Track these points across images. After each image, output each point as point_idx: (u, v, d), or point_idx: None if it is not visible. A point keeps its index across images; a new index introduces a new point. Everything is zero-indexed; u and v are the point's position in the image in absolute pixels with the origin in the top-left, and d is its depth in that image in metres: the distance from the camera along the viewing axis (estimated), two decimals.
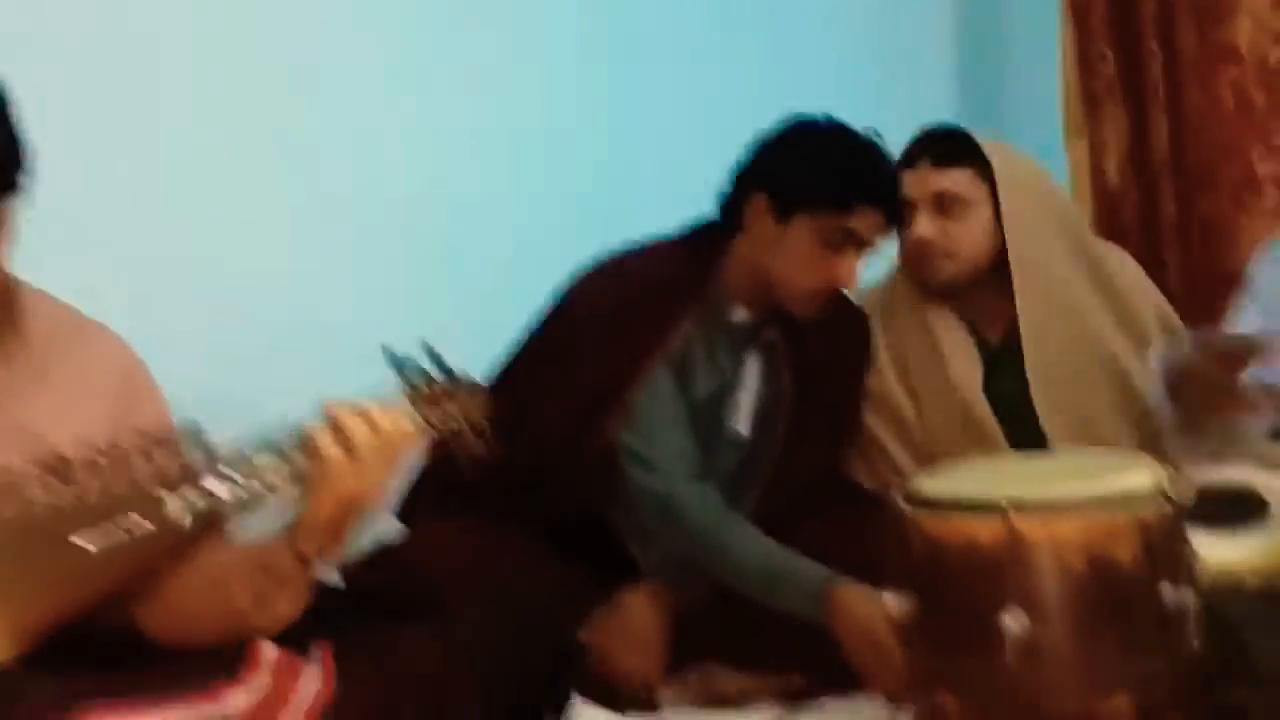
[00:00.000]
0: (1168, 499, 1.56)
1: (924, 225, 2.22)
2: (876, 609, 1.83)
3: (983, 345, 2.30)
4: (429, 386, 1.50)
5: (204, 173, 2.22)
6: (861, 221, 2.03)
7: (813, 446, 2.18)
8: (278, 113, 2.30)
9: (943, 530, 1.57)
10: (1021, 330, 2.25)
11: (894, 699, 1.83)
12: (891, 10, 2.99)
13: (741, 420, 2.15)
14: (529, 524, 2.00)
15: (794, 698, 1.93)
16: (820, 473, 2.20)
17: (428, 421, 1.47)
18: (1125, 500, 1.55)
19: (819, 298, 2.08)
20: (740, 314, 2.14)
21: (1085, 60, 2.90)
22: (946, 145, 2.26)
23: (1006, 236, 2.24)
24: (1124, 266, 2.39)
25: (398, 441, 1.44)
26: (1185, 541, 1.58)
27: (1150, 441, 2.17)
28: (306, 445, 1.40)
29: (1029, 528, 1.52)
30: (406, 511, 2.10)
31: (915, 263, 2.27)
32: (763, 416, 2.17)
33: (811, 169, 2.02)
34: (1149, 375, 2.20)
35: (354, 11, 2.41)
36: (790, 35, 2.89)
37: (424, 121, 2.46)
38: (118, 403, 1.50)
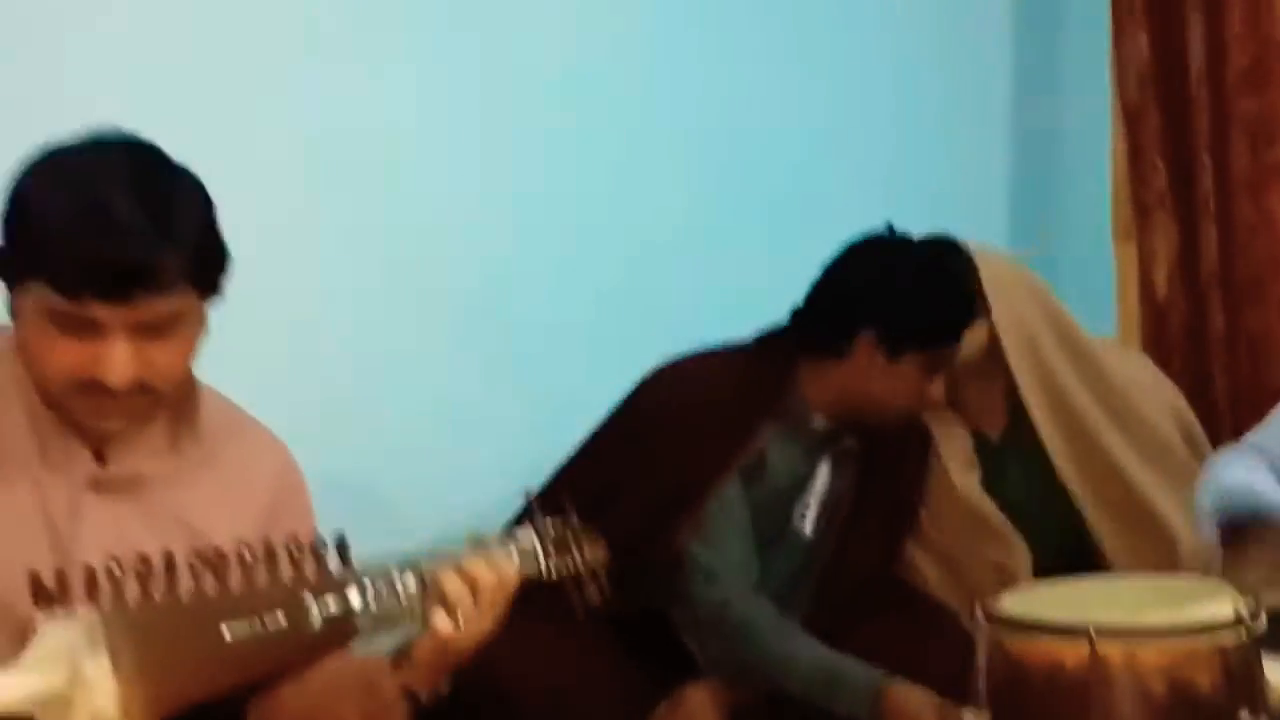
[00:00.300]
0: (1246, 627, 1.59)
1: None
2: (931, 710, 1.92)
3: (984, 444, 2.38)
4: (557, 533, 1.55)
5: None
6: (952, 350, 2.17)
7: (870, 549, 2.25)
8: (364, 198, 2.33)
9: (1026, 651, 1.60)
10: (1035, 421, 2.32)
11: None
12: (946, 109, 3.04)
13: (808, 522, 2.20)
14: (594, 618, 2.01)
15: None
16: (876, 575, 2.26)
17: (552, 567, 1.53)
18: (1206, 628, 1.59)
19: (908, 417, 2.20)
20: (819, 421, 2.19)
21: (1136, 169, 2.93)
22: None
23: (1000, 337, 2.31)
24: (1125, 363, 2.47)
25: (511, 592, 1.48)
26: (1261, 669, 1.62)
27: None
28: (436, 582, 1.43)
29: (1112, 652, 1.55)
30: None
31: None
32: (826, 519, 2.22)
33: (927, 313, 2.15)
34: (1178, 491, 2.28)
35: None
36: (841, 128, 2.93)
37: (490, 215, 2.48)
38: (271, 502, 1.56)
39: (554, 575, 1.53)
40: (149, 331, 1.39)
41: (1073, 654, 1.55)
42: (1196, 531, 2.10)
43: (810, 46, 2.85)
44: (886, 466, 2.25)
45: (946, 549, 2.32)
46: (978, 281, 2.30)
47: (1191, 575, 2.11)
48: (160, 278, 1.37)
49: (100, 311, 1.36)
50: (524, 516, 1.56)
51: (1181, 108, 2.89)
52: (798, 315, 2.20)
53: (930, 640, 2.13)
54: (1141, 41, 2.90)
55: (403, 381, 2.33)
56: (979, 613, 1.65)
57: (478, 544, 1.50)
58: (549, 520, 1.56)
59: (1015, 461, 2.37)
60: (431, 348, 2.36)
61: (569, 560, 1.55)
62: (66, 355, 1.39)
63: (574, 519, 1.58)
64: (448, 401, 2.38)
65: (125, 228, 1.36)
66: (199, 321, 1.45)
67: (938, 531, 2.35)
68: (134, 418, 1.46)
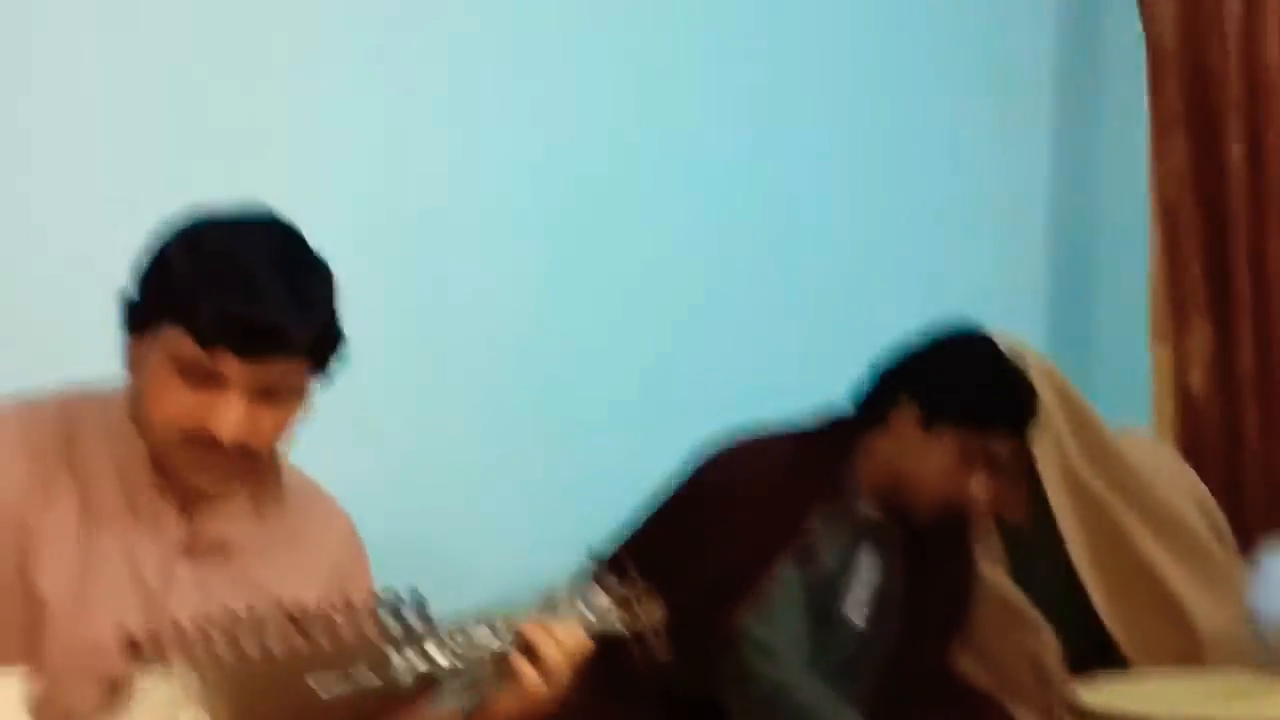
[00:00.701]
0: None
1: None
2: None
3: (1010, 533, 2.38)
4: (623, 592, 1.59)
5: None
6: (999, 445, 2.15)
7: (924, 643, 2.24)
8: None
9: None
10: (1055, 512, 2.34)
11: None
12: (985, 207, 3.07)
13: (854, 610, 2.19)
14: (644, 695, 2.01)
15: None
16: (930, 668, 2.25)
17: (621, 624, 1.57)
18: None
19: (944, 508, 2.17)
20: (866, 507, 2.20)
21: (1173, 269, 2.95)
22: None
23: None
24: (1149, 454, 2.50)
25: (580, 655, 1.52)
26: None
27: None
28: (522, 637, 1.49)
29: None
30: None
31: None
32: (876, 609, 2.20)
33: (967, 385, 2.15)
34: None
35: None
36: (881, 224, 2.95)
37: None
38: (337, 570, 1.62)
39: (622, 631, 1.57)
40: (264, 395, 1.46)
41: None
42: (1250, 623, 2.10)
43: (855, 142, 2.89)
44: (936, 560, 2.24)
45: (979, 639, 2.32)
46: None
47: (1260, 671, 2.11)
48: (290, 344, 1.45)
49: (228, 366, 1.44)
50: (587, 577, 1.59)
51: (1219, 208, 2.92)
52: (855, 395, 2.21)
53: None
54: (1180, 142, 2.94)
55: (460, 452, 2.35)
56: (1060, 708, 1.63)
57: (550, 601, 1.54)
58: (614, 579, 1.59)
59: (1040, 552, 2.37)
60: (490, 420, 2.41)
61: (634, 618, 1.58)
62: (183, 404, 1.45)
63: (637, 579, 1.61)
64: (504, 473, 2.40)
65: (267, 292, 1.44)
66: (306, 396, 1.51)
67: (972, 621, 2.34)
68: (230, 477, 1.51)
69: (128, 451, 1.51)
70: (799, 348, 2.75)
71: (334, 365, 1.52)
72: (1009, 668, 2.32)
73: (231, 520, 1.55)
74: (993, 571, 2.34)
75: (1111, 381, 2.86)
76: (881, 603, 2.21)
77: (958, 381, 2.15)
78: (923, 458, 2.13)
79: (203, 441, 1.46)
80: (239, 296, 1.43)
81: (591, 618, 1.55)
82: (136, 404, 1.50)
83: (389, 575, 1.58)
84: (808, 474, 2.15)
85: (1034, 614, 2.32)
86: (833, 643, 2.17)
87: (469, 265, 2.40)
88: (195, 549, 1.53)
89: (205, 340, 1.42)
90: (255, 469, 1.54)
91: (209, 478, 1.50)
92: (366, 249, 2.22)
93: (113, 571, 1.50)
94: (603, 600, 1.57)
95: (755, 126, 2.76)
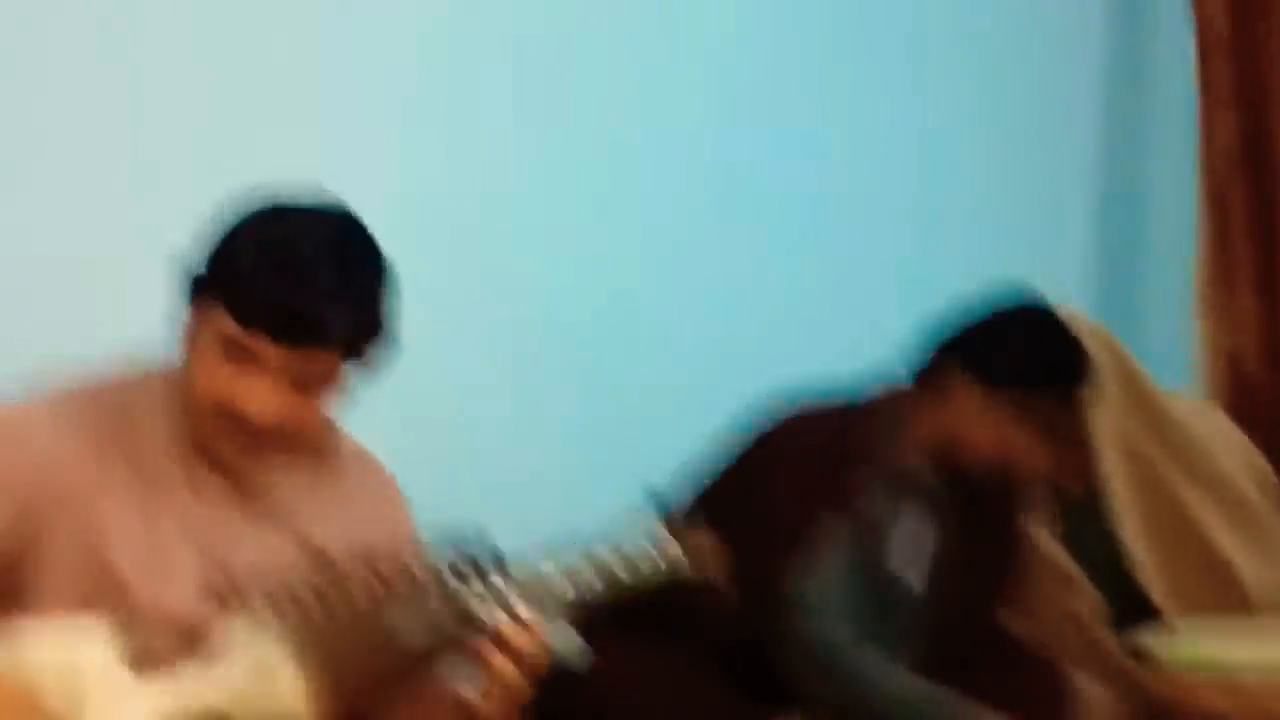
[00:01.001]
0: None
1: None
2: None
3: (1064, 496, 2.40)
4: (678, 522, 1.61)
5: None
6: (1057, 411, 2.18)
7: (976, 606, 2.27)
8: None
9: (1174, 691, 1.61)
10: (1104, 475, 2.39)
11: None
12: (1034, 180, 3.09)
13: (909, 574, 2.22)
14: (694, 645, 2.06)
15: None
16: (982, 631, 2.27)
17: (687, 571, 1.59)
18: None
19: (1000, 474, 2.19)
20: (922, 473, 2.23)
21: (1221, 243, 2.99)
22: None
23: None
24: (1201, 419, 2.53)
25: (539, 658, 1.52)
26: None
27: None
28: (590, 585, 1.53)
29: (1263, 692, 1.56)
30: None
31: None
32: (931, 573, 2.23)
33: (1023, 350, 2.17)
34: None
35: None
36: (929, 191, 2.99)
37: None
38: (389, 531, 1.65)
39: (690, 578, 1.59)
40: (299, 381, 1.50)
41: (1220, 694, 1.56)
42: None
43: (901, 111, 2.92)
44: (989, 525, 2.27)
45: (1027, 600, 2.34)
46: None
47: None
48: (326, 336, 1.48)
49: (264, 349, 1.47)
50: (653, 526, 1.60)
51: (1269, 184, 2.96)
52: (911, 364, 2.24)
53: (1032, 692, 2.16)
54: (1230, 119, 2.98)
55: (508, 423, 2.40)
56: (1127, 654, 1.67)
57: (619, 548, 1.56)
58: (682, 526, 1.61)
59: (1087, 514, 2.41)
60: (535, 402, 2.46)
61: (702, 566, 1.61)
62: (220, 380, 1.50)
63: (704, 526, 1.64)
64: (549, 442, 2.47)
65: (313, 282, 1.48)
66: (341, 384, 1.55)
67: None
68: (262, 454, 1.56)
69: (182, 421, 1.55)
70: (845, 316, 2.78)
71: (375, 359, 1.55)
72: (1056, 628, 2.35)
73: (287, 484, 1.60)
74: (1039, 532, 2.37)
75: (1157, 354, 2.87)
76: (936, 567, 2.23)
77: (1014, 347, 2.17)
78: (980, 424, 2.15)
79: (236, 419, 1.50)
80: (284, 283, 1.47)
81: (662, 563, 1.57)
82: (183, 376, 1.55)
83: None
84: (864, 442, 2.18)
85: (1079, 575, 2.35)
86: (888, 608, 2.19)
87: (516, 237, 2.45)
88: (253, 512, 1.58)
89: (245, 321, 1.47)
90: (290, 448, 1.57)
91: (235, 450, 1.54)
92: (414, 225, 2.26)
93: (178, 542, 1.54)
94: (673, 547, 1.59)
95: (800, 93, 2.79)
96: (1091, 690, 2.24)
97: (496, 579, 1.48)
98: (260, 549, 1.56)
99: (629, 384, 2.59)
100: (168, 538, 1.54)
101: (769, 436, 2.22)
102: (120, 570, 1.51)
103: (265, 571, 1.53)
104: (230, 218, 1.54)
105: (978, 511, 2.26)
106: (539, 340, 2.51)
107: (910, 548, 2.23)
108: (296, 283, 1.47)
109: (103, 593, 1.51)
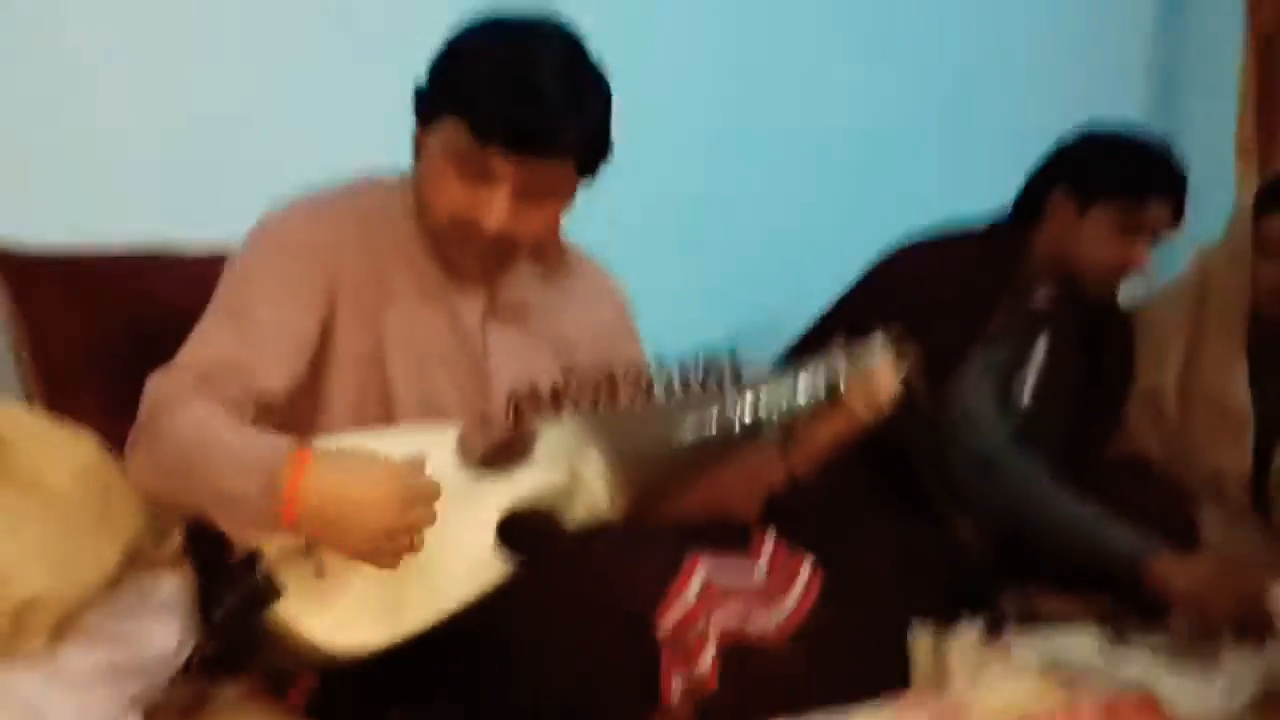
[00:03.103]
0: None
1: None
2: (1196, 574, 2.06)
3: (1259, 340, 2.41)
4: (888, 342, 1.79)
5: None
6: (1153, 211, 2.26)
7: (1100, 429, 2.41)
8: None
9: None
10: None
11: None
12: (1084, 29, 3.21)
13: (1026, 392, 2.37)
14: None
15: (1110, 621, 2.09)
16: (1093, 454, 2.41)
17: (902, 360, 1.78)
18: None
19: (1115, 280, 2.32)
20: (1040, 298, 2.36)
21: (1263, 89, 3.09)
22: None
23: None
24: None
25: (890, 392, 1.74)
26: None
27: None
28: (832, 382, 1.71)
29: None
30: None
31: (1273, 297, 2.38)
32: (1045, 395, 2.38)
33: (1111, 161, 2.27)
34: None
35: None
36: (992, 40, 3.09)
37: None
38: (615, 326, 1.81)
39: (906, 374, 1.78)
40: (529, 192, 1.58)
41: None
42: None
43: None
44: (1103, 354, 2.41)
45: (1184, 445, 2.41)
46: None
47: None
48: (559, 146, 1.56)
49: (498, 161, 1.55)
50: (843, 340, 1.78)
51: None
52: (1014, 198, 2.37)
53: (1156, 511, 2.21)
54: None
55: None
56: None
57: (830, 357, 1.75)
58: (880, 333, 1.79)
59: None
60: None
61: (900, 366, 1.79)
62: (455, 194, 1.58)
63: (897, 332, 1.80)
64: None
65: (544, 95, 1.54)
66: (570, 196, 1.64)
67: (1183, 428, 2.42)
68: (493, 263, 1.66)
69: (423, 234, 1.66)
70: (936, 160, 2.95)
71: (599, 169, 1.63)
72: (1204, 467, 2.39)
73: (525, 286, 1.73)
74: (1225, 373, 2.40)
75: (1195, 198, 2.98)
76: (1051, 387, 2.36)
77: (1103, 158, 2.28)
78: (1085, 239, 2.26)
79: (470, 231, 1.59)
80: (517, 97, 1.52)
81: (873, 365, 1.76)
82: (418, 189, 1.64)
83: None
84: (988, 269, 2.29)
85: (1244, 430, 2.36)
86: (1021, 437, 2.30)
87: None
88: (499, 312, 1.70)
89: (481, 135, 1.53)
90: (520, 256, 1.68)
91: (474, 263, 1.64)
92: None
93: (441, 336, 1.67)
94: (874, 350, 1.77)
95: None
96: (1218, 525, 2.31)
97: (750, 386, 1.65)
98: (519, 355, 1.69)
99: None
100: (437, 343, 1.66)
101: (897, 267, 2.32)
102: (392, 370, 1.63)
103: (509, 366, 1.67)
104: (458, 38, 1.59)
105: (1097, 335, 2.40)
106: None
107: (1030, 372, 2.37)
108: (528, 95, 1.52)
109: (378, 391, 1.64)
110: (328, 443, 1.50)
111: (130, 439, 1.57)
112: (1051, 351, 2.40)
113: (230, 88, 2.17)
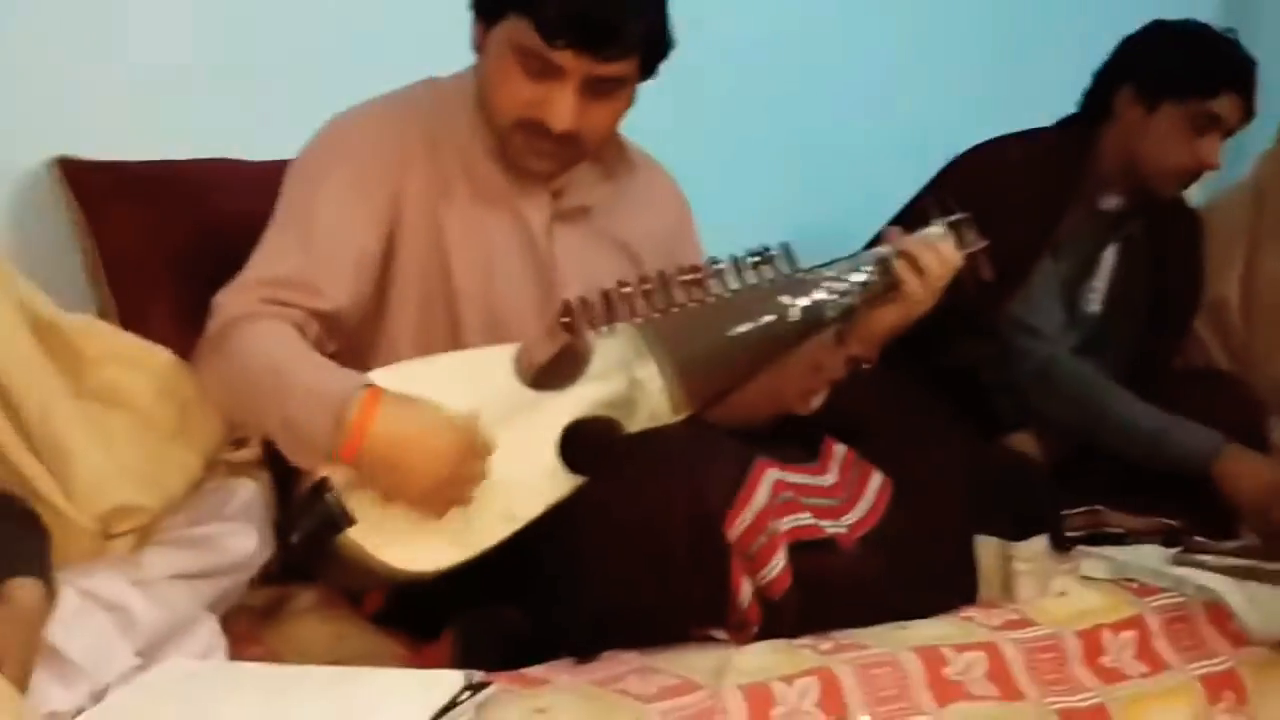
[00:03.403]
0: None
1: None
2: (1263, 473, 2.06)
3: None
4: (959, 219, 1.77)
5: None
6: (1223, 106, 2.21)
7: (1163, 339, 2.38)
8: None
9: None
10: None
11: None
12: None
13: (1095, 299, 2.34)
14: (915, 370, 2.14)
15: (1175, 537, 2.06)
16: (1162, 360, 2.38)
17: (964, 242, 1.75)
18: None
19: (1185, 178, 2.27)
20: (1110, 202, 2.31)
21: None
22: None
23: None
24: None
25: (951, 270, 1.71)
26: None
27: None
28: (886, 267, 1.69)
29: None
30: None
31: None
32: (1115, 301, 2.34)
33: (1178, 57, 2.23)
34: None
35: None
36: None
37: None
38: (676, 225, 1.81)
39: (969, 249, 1.76)
40: (595, 89, 1.59)
41: None
42: None
43: None
44: (1172, 261, 2.37)
45: (1249, 356, 2.40)
46: None
47: None
48: (625, 41, 1.56)
49: (564, 59, 1.56)
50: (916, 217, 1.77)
51: None
52: (1081, 98, 2.32)
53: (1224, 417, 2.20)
54: None
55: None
56: None
57: (891, 241, 1.72)
58: (940, 211, 1.77)
59: None
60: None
61: (963, 240, 1.76)
62: (521, 92, 1.59)
63: (955, 209, 1.78)
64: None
65: None
66: (632, 95, 1.65)
67: (1249, 338, 2.42)
68: (559, 163, 1.65)
69: (491, 134, 1.65)
70: (999, 65, 2.89)
71: (658, 66, 1.64)
72: (1271, 375, 2.37)
73: (589, 188, 1.73)
74: None
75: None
76: (1121, 295, 2.33)
77: (1169, 55, 2.23)
78: (1153, 138, 2.22)
79: (535, 130, 1.59)
80: None
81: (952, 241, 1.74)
82: (481, 89, 1.64)
83: None
84: (1055, 171, 2.25)
85: None
86: (1075, 332, 2.29)
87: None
88: (563, 215, 1.71)
89: (547, 33, 1.54)
90: (584, 157, 1.67)
91: (540, 162, 1.64)
92: None
93: (506, 240, 1.67)
94: (937, 228, 1.75)
95: None
96: None
97: (804, 278, 1.64)
98: (587, 259, 1.69)
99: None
100: (502, 248, 1.66)
101: (964, 170, 2.27)
102: (457, 277, 1.64)
103: (576, 265, 1.67)
104: None
105: (1165, 247, 2.36)
106: None
107: (1098, 278, 2.33)
108: None
109: (443, 300, 1.64)
110: (393, 377, 1.50)
111: (197, 355, 1.58)
112: (1122, 259, 2.36)
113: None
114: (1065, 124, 2.36)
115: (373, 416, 1.42)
